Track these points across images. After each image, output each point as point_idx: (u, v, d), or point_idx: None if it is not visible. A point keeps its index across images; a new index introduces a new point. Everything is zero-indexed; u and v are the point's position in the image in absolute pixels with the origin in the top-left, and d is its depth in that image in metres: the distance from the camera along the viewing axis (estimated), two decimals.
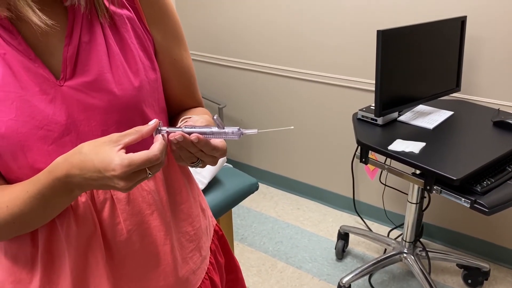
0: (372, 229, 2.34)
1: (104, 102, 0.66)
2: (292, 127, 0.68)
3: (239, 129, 0.63)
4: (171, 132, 0.62)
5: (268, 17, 2.39)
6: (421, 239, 1.98)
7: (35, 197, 0.61)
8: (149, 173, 0.58)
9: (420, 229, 1.97)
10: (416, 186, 1.79)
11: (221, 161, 1.65)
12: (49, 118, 0.63)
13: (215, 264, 0.95)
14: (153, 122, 0.62)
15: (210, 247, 0.94)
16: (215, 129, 0.63)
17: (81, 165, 0.58)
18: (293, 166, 2.67)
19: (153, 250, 0.77)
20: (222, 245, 1.01)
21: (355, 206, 2.32)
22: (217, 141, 0.64)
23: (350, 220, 2.47)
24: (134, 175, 0.57)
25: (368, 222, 2.41)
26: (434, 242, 2.26)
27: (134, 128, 0.61)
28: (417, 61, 1.67)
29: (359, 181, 2.40)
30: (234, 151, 2.93)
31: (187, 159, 0.65)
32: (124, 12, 0.70)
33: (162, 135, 0.61)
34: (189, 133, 0.61)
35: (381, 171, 2.13)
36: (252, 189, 1.68)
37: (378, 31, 1.50)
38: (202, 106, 0.88)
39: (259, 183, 2.87)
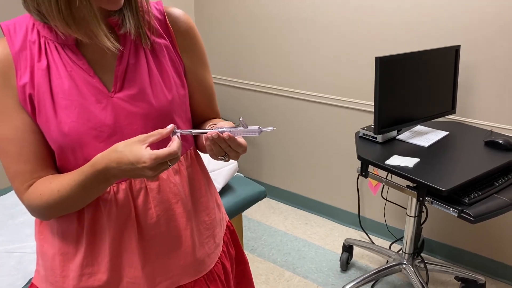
0: (376, 243, 2.47)
1: (144, 111, 0.85)
2: (275, 127, 0.86)
3: (259, 128, 0.81)
4: (183, 134, 0.82)
5: (279, 45, 2.60)
6: (422, 254, 2.10)
7: (80, 184, 0.79)
8: (169, 164, 0.76)
9: (420, 243, 2.09)
10: (414, 201, 1.92)
11: (233, 169, 1.83)
12: (102, 121, 0.82)
13: (227, 253, 1.11)
14: (170, 126, 0.79)
15: (223, 238, 1.11)
16: (240, 128, 0.80)
17: (118, 160, 0.75)
18: (302, 183, 2.83)
19: (176, 233, 0.94)
20: (233, 238, 1.17)
21: (360, 222, 2.46)
22: (240, 139, 0.81)
23: (355, 235, 2.60)
24: (158, 166, 0.75)
25: (373, 238, 2.53)
26: (435, 256, 2.37)
27: (156, 130, 0.78)
28: (413, 85, 1.84)
29: (364, 198, 2.54)
30: (246, 167, 3.10)
31: (217, 153, 0.82)
32: (162, 41, 0.89)
33: (177, 136, 0.79)
34: (215, 133, 0.79)
35: (383, 186, 2.27)
36: (261, 196, 1.85)
37: (377, 58, 1.68)
38: (220, 118, 1.06)
39: (270, 198, 3.03)
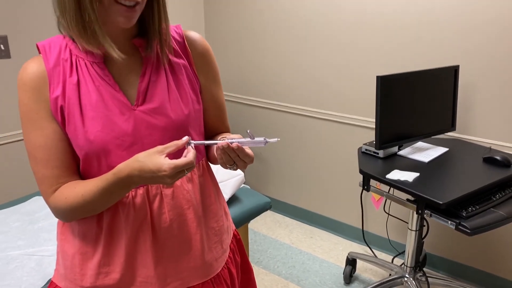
0: (379, 257, 2.51)
1: (163, 123, 0.93)
2: (278, 139, 0.94)
3: (264, 139, 0.89)
4: (197, 144, 0.91)
5: (285, 64, 2.70)
6: (424, 268, 2.15)
7: (103, 190, 0.87)
8: (186, 172, 0.84)
9: (423, 257, 2.14)
10: (415, 215, 1.98)
11: (240, 180, 1.91)
12: (124, 131, 0.91)
13: (233, 259, 1.18)
14: (185, 138, 0.88)
15: (230, 245, 1.18)
16: (248, 139, 0.89)
17: (140, 168, 0.84)
18: (308, 197, 2.89)
19: (187, 237, 1.01)
20: (239, 247, 1.24)
21: (363, 236, 2.51)
22: (248, 150, 0.89)
23: (359, 249, 2.65)
24: (177, 174, 0.83)
25: (376, 252, 2.58)
26: (437, 271, 2.41)
27: (173, 142, 0.87)
28: (414, 103, 1.92)
29: (368, 212, 2.59)
30: (253, 181, 3.17)
31: (227, 162, 0.90)
32: (181, 61, 0.99)
33: (192, 147, 0.87)
34: (227, 144, 0.87)
35: (385, 201, 2.33)
36: (266, 207, 1.92)
37: (378, 77, 1.77)
38: (229, 132, 1.14)
39: (275, 212, 3.09)
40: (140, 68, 0.94)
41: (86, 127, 0.88)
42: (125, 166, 0.85)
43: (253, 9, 2.79)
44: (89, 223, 0.96)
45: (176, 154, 0.89)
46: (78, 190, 0.89)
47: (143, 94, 0.93)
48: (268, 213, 3.08)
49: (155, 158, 0.83)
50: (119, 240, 0.96)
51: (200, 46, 1.02)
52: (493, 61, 1.99)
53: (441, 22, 2.08)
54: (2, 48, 2.16)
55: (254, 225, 2.93)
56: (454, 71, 2.00)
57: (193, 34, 1.03)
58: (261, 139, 0.89)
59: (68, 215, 0.92)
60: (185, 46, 1.00)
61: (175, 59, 0.98)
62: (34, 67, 0.89)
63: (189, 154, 0.84)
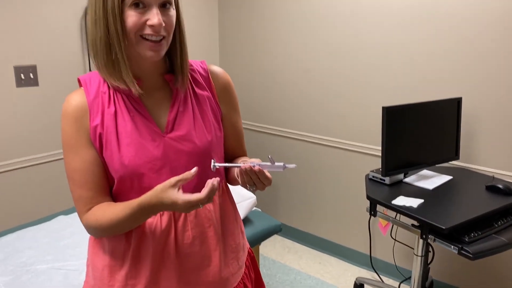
0: (386, 282, 2.56)
1: (189, 149, 1.04)
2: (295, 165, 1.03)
3: (284, 164, 0.98)
4: (221, 166, 1.01)
5: (297, 93, 2.83)
6: None
7: (129, 216, 0.97)
8: (201, 205, 0.92)
9: (429, 284, 2.19)
10: (420, 241, 2.04)
11: (253, 203, 2.00)
12: (155, 156, 1.01)
13: (248, 275, 1.27)
14: (193, 170, 0.94)
15: (245, 262, 1.26)
16: (268, 163, 0.98)
17: (158, 202, 0.92)
18: (317, 223, 2.96)
19: (207, 253, 1.10)
20: (253, 264, 1.33)
21: (371, 262, 2.56)
22: (267, 174, 0.98)
23: (367, 274, 2.69)
24: (191, 207, 0.91)
25: (384, 278, 2.63)
26: None
27: (185, 173, 0.94)
28: (418, 133, 2.02)
29: (376, 239, 2.65)
30: (264, 207, 3.25)
31: (248, 182, 0.99)
32: (205, 93, 1.10)
33: (213, 183, 0.92)
34: (248, 167, 0.96)
35: (392, 227, 2.39)
36: (276, 229, 2.00)
37: (383, 108, 1.87)
38: (247, 156, 1.25)
39: (285, 238, 3.15)
40: (170, 99, 1.06)
41: (121, 152, 0.99)
42: (148, 200, 0.94)
43: (263, 44, 2.95)
44: (118, 240, 1.06)
45: (200, 183, 0.99)
46: (107, 214, 0.99)
47: (172, 123, 1.04)
48: (278, 238, 3.15)
49: (169, 194, 0.91)
50: (146, 255, 1.05)
51: (222, 79, 1.14)
52: (495, 93, 2.09)
53: (445, 56, 2.20)
54: (31, 76, 2.32)
55: (264, 250, 3.00)
56: (457, 102, 2.10)
57: (216, 69, 1.15)
58: (281, 164, 0.98)
59: (98, 233, 1.03)
60: (209, 80, 1.12)
61: (200, 91, 1.10)
62: (76, 99, 1.01)
63: (204, 191, 0.91)
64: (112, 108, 1.01)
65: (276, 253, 2.96)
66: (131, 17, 0.93)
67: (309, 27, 2.70)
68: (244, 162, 0.98)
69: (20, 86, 2.28)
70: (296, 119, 2.90)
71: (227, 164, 1.03)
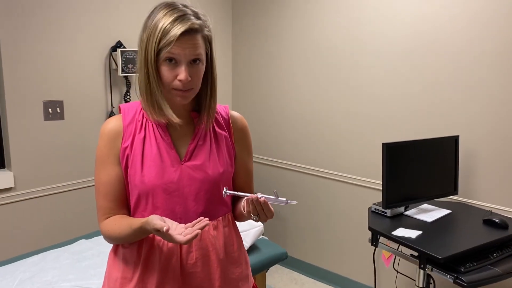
0: None
1: (202, 177, 1.19)
2: (296, 202, 1.16)
3: (286, 199, 1.11)
4: (231, 194, 1.15)
5: (302, 129, 2.99)
6: None
7: (133, 231, 1.11)
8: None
9: None
10: (421, 272, 2.13)
11: (260, 231, 2.11)
12: (171, 180, 1.16)
13: None
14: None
15: None
16: (272, 197, 1.10)
17: (154, 230, 1.06)
18: (323, 256, 3.05)
19: (208, 275, 1.21)
20: None
21: None
22: (270, 207, 1.11)
23: None
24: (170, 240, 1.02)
25: None
26: None
27: (173, 222, 1.08)
28: (418, 168, 2.14)
29: (380, 271, 2.73)
30: (272, 238, 3.35)
31: (252, 212, 1.12)
32: (223, 132, 1.26)
33: (197, 233, 1.01)
34: (254, 198, 1.09)
35: (394, 259, 2.47)
36: (282, 257, 2.11)
37: (383, 144, 2.01)
38: (253, 193, 1.37)
39: (293, 270, 3.22)
40: (192, 133, 1.21)
41: (143, 171, 1.15)
42: (146, 225, 1.07)
43: (272, 82, 3.14)
44: (130, 254, 1.20)
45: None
46: (117, 227, 1.15)
47: (191, 153, 1.20)
48: (285, 270, 3.22)
49: (157, 220, 1.04)
50: (153, 270, 1.17)
51: (240, 123, 1.30)
52: (492, 131, 2.22)
53: (442, 95, 2.35)
54: (58, 111, 2.51)
55: (271, 281, 3.07)
56: (454, 140, 2.23)
57: (236, 114, 1.31)
58: (283, 199, 1.11)
59: (110, 240, 1.20)
60: (229, 122, 1.28)
61: (219, 130, 1.26)
62: (114, 122, 1.19)
63: (187, 236, 1.00)
64: (142, 134, 1.17)
65: (283, 285, 3.03)
66: (165, 71, 1.10)
67: (313, 66, 2.89)
68: (252, 195, 1.12)
69: (47, 119, 2.47)
70: (302, 154, 3.04)
71: (236, 192, 1.16)
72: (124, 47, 2.67)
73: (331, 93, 2.83)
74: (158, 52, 1.08)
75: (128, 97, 2.75)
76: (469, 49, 2.24)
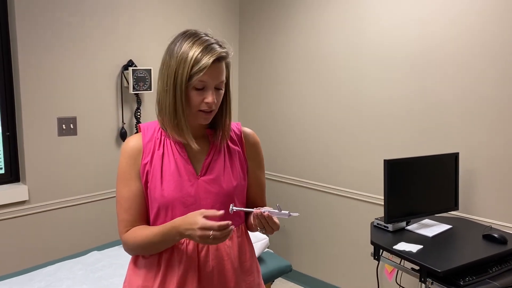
0: None
1: (217, 191, 1.27)
2: (298, 214, 1.23)
3: (288, 212, 1.19)
4: (237, 210, 1.22)
5: (306, 145, 3.06)
6: None
7: (157, 238, 1.19)
8: (211, 236, 1.10)
9: None
10: (422, 286, 2.18)
11: (265, 244, 2.18)
12: (188, 193, 1.24)
13: None
14: (222, 211, 1.16)
15: None
16: (276, 210, 1.19)
17: (182, 220, 1.15)
18: (326, 269, 3.09)
19: (224, 283, 1.28)
20: None
21: None
22: (275, 220, 1.19)
23: None
24: (204, 231, 1.10)
25: None
26: None
27: (214, 210, 1.16)
28: (418, 184, 2.21)
29: (384, 286, 2.77)
30: (277, 251, 3.40)
31: (259, 225, 1.21)
32: (236, 148, 1.34)
33: (228, 223, 1.12)
34: (260, 212, 1.18)
35: (397, 273, 2.52)
36: (286, 269, 2.18)
37: (385, 160, 2.09)
38: (265, 206, 1.45)
39: (298, 284, 3.27)
40: (207, 149, 1.30)
41: (163, 186, 1.23)
42: (172, 227, 1.16)
43: (277, 99, 3.23)
44: (151, 264, 1.27)
45: (222, 221, 1.20)
46: (144, 234, 1.22)
47: (206, 168, 1.28)
48: (289, 284, 3.27)
49: (193, 216, 1.14)
50: (172, 278, 1.24)
51: (252, 139, 1.39)
52: (491, 148, 2.29)
53: (443, 114, 2.42)
54: (72, 127, 2.61)
55: None
56: (454, 157, 2.30)
57: (248, 130, 1.40)
58: (286, 212, 1.19)
59: (133, 250, 1.26)
60: (241, 138, 1.37)
61: (233, 146, 1.34)
62: (134, 141, 1.27)
63: (219, 222, 1.10)
64: (161, 151, 1.26)
65: None
66: (194, 95, 1.19)
67: (318, 84, 2.98)
68: (260, 208, 1.20)
69: (61, 135, 2.57)
70: (306, 169, 3.12)
71: (242, 209, 1.24)
72: (135, 66, 2.78)
73: (335, 110, 2.92)
74: (188, 78, 1.17)
75: (138, 113, 2.85)
76: (470, 68, 2.32)
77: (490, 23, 2.23)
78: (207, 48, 1.18)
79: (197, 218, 1.12)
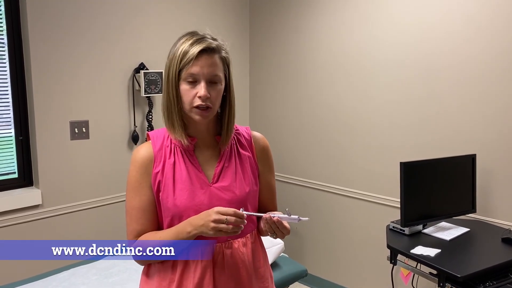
0: None
1: (230, 198, 1.25)
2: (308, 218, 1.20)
3: (298, 217, 1.17)
4: (248, 214, 1.19)
5: (322, 148, 3.03)
6: None
7: (170, 234, 1.19)
8: (226, 219, 1.10)
9: None
10: None
11: (281, 249, 2.16)
12: (201, 201, 1.22)
13: None
14: (241, 210, 1.16)
15: None
16: (285, 215, 1.17)
17: (195, 217, 1.15)
18: (341, 273, 3.06)
19: None
20: None
21: None
22: (286, 224, 1.17)
23: None
24: (219, 218, 1.10)
25: None
26: None
27: (232, 208, 1.15)
28: (435, 187, 2.17)
29: None
30: (292, 256, 3.38)
31: (269, 230, 1.19)
32: (247, 153, 1.32)
33: (242, 213, 1.13)
34: (269, 217, 1.17)
35: (413, 277, 2.49)
36: (302, 274, 2.15)
37: (401, 163, 2.05)
38: (277, 210, 1.43)
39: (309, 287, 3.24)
40: (218, 156, 1.28)
41: (175, 195, 1.22)
42: (186, 223, 1.17)
43: (289, 102, 3.21)
44: (165, 271, 1.25)
45: None
46: (157, 236, 1.22)
47: (218, 175, 1.26)
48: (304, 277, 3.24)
49: (209, 210, 1.14)
50: (188, 284, 1.23)
51: (261, 143, 1.37)
52: (509, 150, 2.24)
53: (460, 115, 2.38)
54: (84, 130, 2.61)
55: None
56: (471, 159, 2.26)
57: (257, 134, 1.38)
58: (296, 216, 1.17)
59: (144, 255, 1.22)
60: (251, 142, 1.35)
61: (243, 151, 1.32)
62: (145, 149, 1.26)
63: (237, 210, 1.12)
64: (172, 159, 1.24)
65: None
66: (185, 90, 1.18)
67: (329, 88, 2.95)
68: (272, 213, 1.18)
69: (73, 138, 2.57)
70: (320, 172, 3.08)
71: (251, 213, 1.23)
72: (146, 69, 2.77)
73: (348, 112, 2.88)
74: (179, 73, 1.17)
75: (150, 116, 2.84)
76: (487, 70, 2.28)
77: (509, 24, 2.19)
78: (197, 40, 1.18)
79: (212, 210, 1.13)
